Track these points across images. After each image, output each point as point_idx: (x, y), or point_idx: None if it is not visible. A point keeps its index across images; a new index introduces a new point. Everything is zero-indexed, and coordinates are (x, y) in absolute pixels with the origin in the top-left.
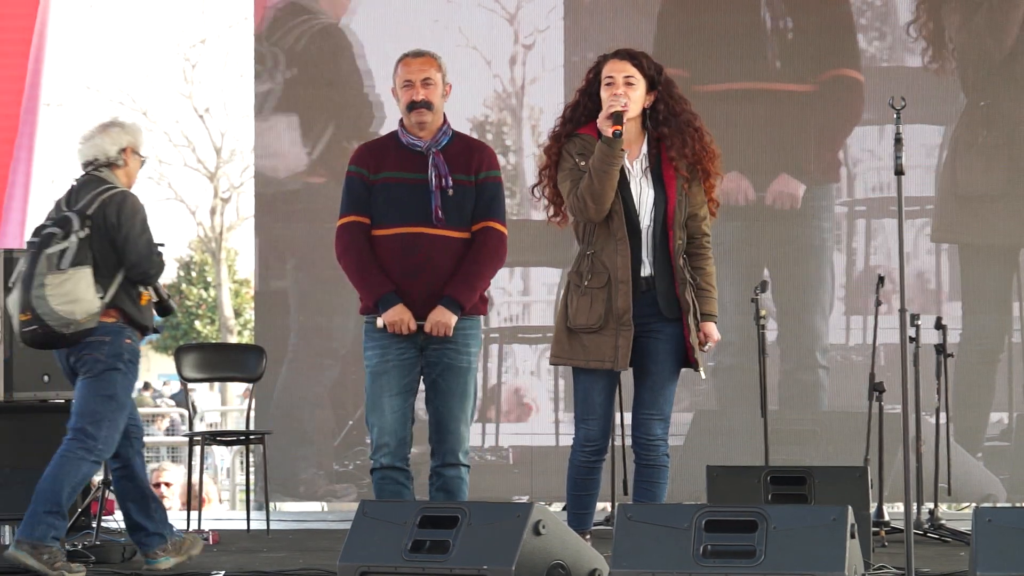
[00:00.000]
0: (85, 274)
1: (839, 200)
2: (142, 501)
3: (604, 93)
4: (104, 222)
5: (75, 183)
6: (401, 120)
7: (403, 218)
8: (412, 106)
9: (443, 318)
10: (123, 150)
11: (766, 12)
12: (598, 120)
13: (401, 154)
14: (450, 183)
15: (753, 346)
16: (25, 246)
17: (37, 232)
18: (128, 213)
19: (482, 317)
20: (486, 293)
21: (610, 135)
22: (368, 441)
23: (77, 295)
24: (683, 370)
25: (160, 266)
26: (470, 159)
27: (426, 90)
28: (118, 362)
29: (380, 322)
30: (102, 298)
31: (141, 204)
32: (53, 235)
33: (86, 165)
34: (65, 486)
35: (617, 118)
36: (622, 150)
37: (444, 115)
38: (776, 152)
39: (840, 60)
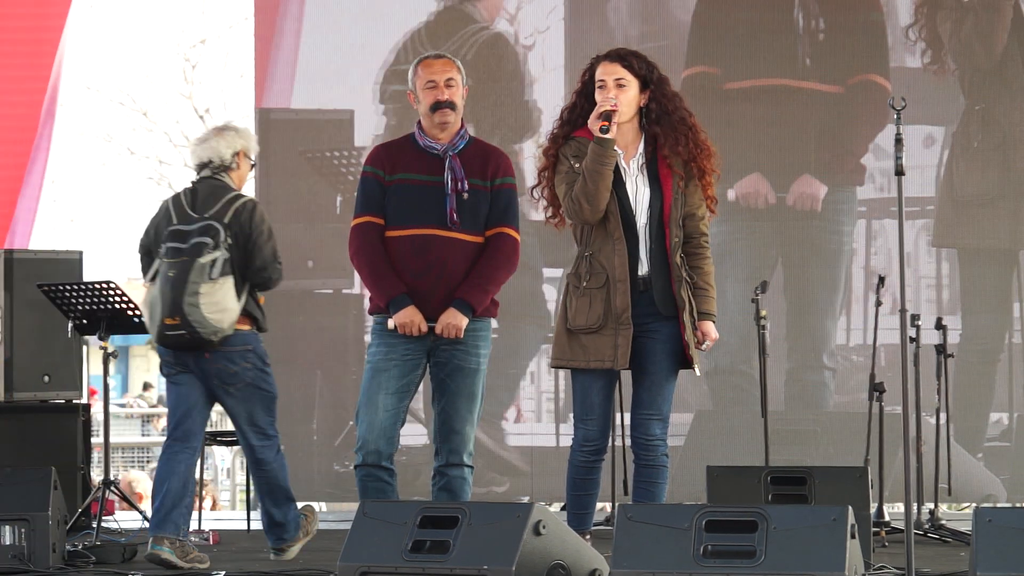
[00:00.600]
0: (231, 284)
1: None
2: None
3: (597, 96)
4: (240, 230)
5: (195, 186)
6: (418, 122)
7: (417, 219)
8: (437, 106)
9: (454, 320)
10: (236, 153)
11: (799, 12)
12: (588, 121)
13: (418, 156)
14: (466, 187)
15: (755, 346)
16: (165, 250)
17: (180, 237)
18: (258, 220)
19: (493, 320)
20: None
21: (610, 136)
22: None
23: (225, 304)
24: (682, 370)
25: (280, 274)
26: (486, 164)
27: (449, 91)
28: (265, 366)
29: (391, 323)
30: (240, 305)
31: (265, 213)
32: (204, 244)
33: (200, 167)
34: (286, 478)
35: (606, 117)
36: (615, 151)
37: (462, 120)
38: (799, 152)
39: (869, 65)
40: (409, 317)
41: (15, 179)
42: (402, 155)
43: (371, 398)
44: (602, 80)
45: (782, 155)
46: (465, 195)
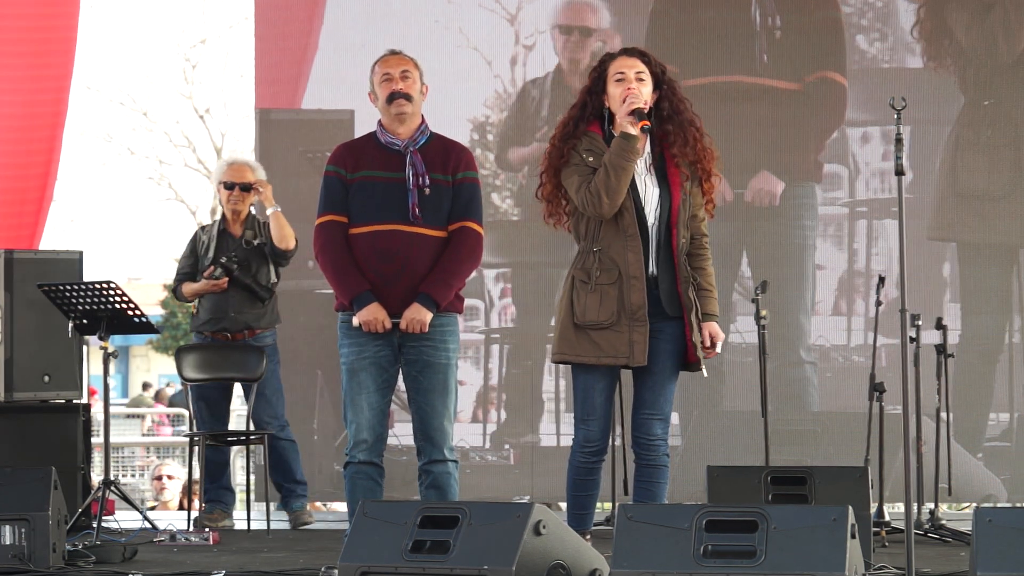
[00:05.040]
0: None
1: (840, 201)
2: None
3: (615, 89)
4: None
5: None
6: (379, 120)
7: (380, 216)
8: (392, 97)
9: (418, 315)
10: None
11: (756, 10)
12: (618, 116)
13: (379, 153)
14: (427, 181)
15: (750, 347)
16: None
17: None
18: None
19: (459, 315)
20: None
21: (635, 132)
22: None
23: None
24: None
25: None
26: (447, 159)
27: (405, 83)
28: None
29: (356, 321)
30: None
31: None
32: None
33: None
34: None
35: (639, 114)
36: (638, 148)
37: (423, 116)
38: (757, 149)
39: (826, 62)
40: (372, 315)
41: (42, 176)
42: (364, 153)
43: (354, 400)
44: (622, 73)
45: (740, 152)
46: (427, 190)
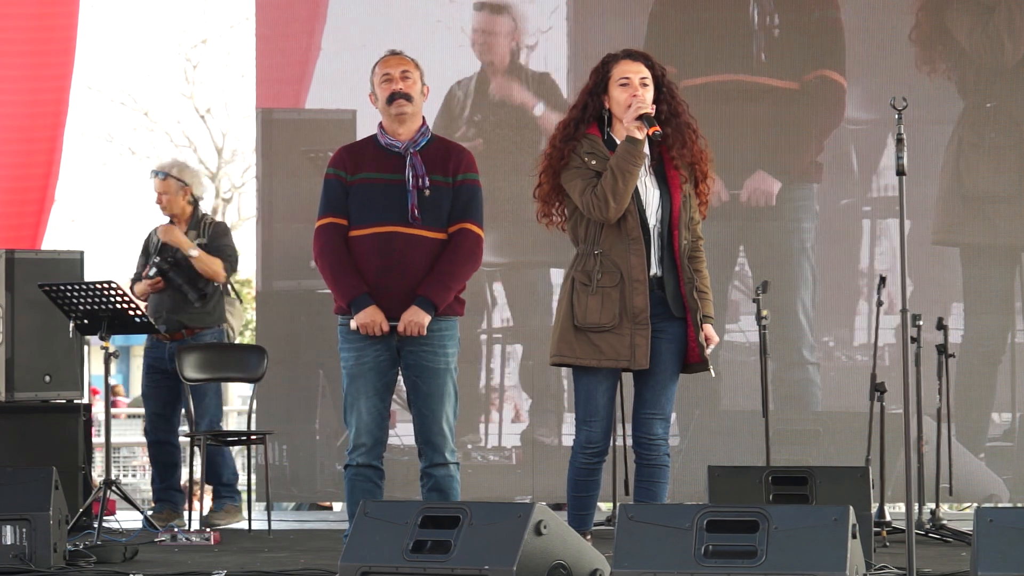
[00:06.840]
0: None
1: (844, 200)
2: None
3: (620, 94)
4: None
5: None
6: (380, 123)
7: (379, 217)
8: (392, 97)
9: (416, 317)
10: None
11: (755, 8)
12: (625, 120)
13: (379, 155)
14: (427, 183)
15: (752, 347)
16: None
17: None
18: None
19: (459, 318)
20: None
21: (641, 136)
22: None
23: None
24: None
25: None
26: (448, 160)
27: (405, 83)
28: None
29: (353, 324)
30: None
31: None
32: None
33: None
34: None
35: (649, 120)
36: (644, 152)
37: (423, 118)
38: (756, 149)
39: (824, 61)
40: (370, 317)
41: (44, 176)
42: (364, 155)
43: (354, 403)
44: (627, 78)
45: (737, 152)
46: (427, 191)
